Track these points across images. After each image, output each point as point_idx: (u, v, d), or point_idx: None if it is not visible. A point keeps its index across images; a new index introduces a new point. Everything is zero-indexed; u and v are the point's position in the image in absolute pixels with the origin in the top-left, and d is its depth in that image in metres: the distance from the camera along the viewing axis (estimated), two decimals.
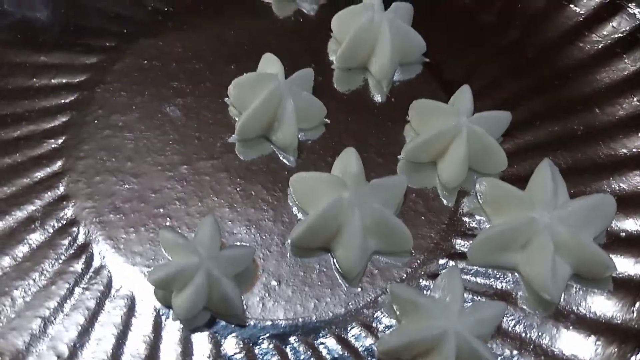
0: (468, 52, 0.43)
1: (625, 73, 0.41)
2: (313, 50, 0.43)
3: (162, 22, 0.44)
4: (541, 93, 0.41)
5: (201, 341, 0.32)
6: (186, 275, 0.31)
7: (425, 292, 0.34)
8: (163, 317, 0.33)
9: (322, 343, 0.33)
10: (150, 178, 0.37)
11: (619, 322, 0.33)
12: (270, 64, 0.40)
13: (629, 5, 0.43)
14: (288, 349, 0.32)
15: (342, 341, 0.33)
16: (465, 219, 0.36)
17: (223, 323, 0.33)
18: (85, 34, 0.43)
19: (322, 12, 0.45)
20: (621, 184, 0.37)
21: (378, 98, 0.41)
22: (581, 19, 0.43)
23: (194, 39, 0.43)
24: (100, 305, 0.33)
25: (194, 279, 0.31)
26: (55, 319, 0.33)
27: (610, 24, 0.43)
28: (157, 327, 0.33)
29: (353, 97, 0.41)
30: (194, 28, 0.44)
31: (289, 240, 0.35)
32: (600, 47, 0.42)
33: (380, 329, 0.33)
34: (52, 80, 0.41)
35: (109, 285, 0.34)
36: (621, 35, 0.42)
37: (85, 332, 0.32)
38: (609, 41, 0.42)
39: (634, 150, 0.38)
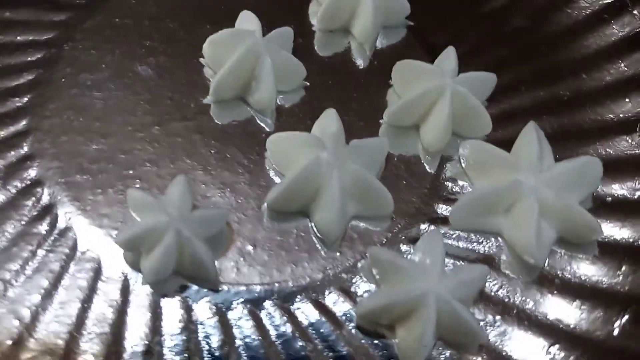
0: (454, 17, 0.42)
1: (613, 39, 0.40)
2: (294, 11, 0.42)
3: None
4: (527, 58, 0.40)
5: (171, 306, 0.31)
6: (155, 235, 0.30)
7: (406, 257, 0.32)
8: (131, 282, 0.32)
9: (298, 308, 0.31)
10: (119, 138, 0.36)
11: (604, 286, 0.32)
12: (247, 21, 0.38)
13: None
14: (263, 314, 0.31)
15: (320, 306, 0.31)
16: (448, 183, 0.35)
17: (195, 288, 0.32)
18: None
19: None
20: (607, 149, 0.36)
21: (361, 62, 0.40)
22: None
23: None
24: (64, 268, 0.32)
25: (163, 239, 0.29)
26: (16, 281, 0.31)
27: None
28: (125, 292, 0.31)
29: (335, 60, 0.40)
30: None
31: (265, 204, 0.34)
32: (588, 12, 0.41)
33: (359, 294, 0.32)
34: (18, 37, 0.39)
35: (74, 248, 0.32)
36: (609, 1, 0.41)
37: (48, 296, 0.31)
38: (597, 7, 0.41)
39: (621, 115, 0.37)
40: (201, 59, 0.39)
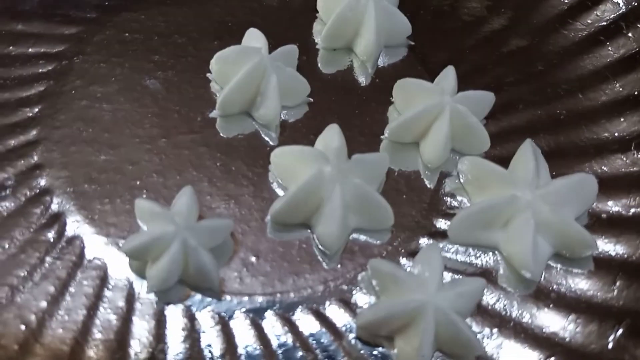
0: (454, 37, 0.42)
1: (608, 60, 0.41)
2: (298, 30, 0.42)
3: None
4: (525, 78, 0.41)
5: (175, 314, 0.32)
6: (161, 244, 0.30)
7: (405, 269, 0.33)
8: (136, 290, 0.32)
9: (299, 318, 0.32)
10: (127, 150, 0.37)
11: (599, 300, 0.32)
12: (254, 39, 0.39)
13: None
14: (264, 324, 0.32)
15: (320, 317, 0.32)
16: (447, 198, 0.36)
17: (199, 297, 0.32)
18: (65, 5, 0.42)
19: None
20: (603, 167, 0.37)
21: (363, 80, 0.41)
22: (566, 8, 0.43)
23: (178, 14, 0.42)
24: (71, 276, 0.32)
25: (169, 248, 0.30)
26: (24, 287, 0.32)
27: (595, 12, 0.43)
28: (130, 299, 0.32)
29: (338, 77, 0.41)
30: (178, 3, 0.43)
31: (269, 217, 0.34)
32: (584, 34, 0.42)
33: (359, 305, 0.32)
34: (30, 49, 0.40)
35: (81, 256, 0.33)
36: (605, 23, 0.42)
37: (54, 302, 0.31)
38: (593, 29, 0.42)
39: (616, 134, 0.38)
40: (208, 75, 0.39)
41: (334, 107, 0.39)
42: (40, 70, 0.39)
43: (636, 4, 0.42)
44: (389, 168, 0.36)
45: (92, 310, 0.31)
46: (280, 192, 0.36)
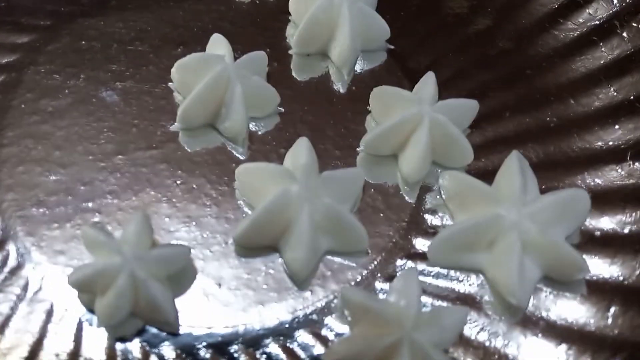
0: (435, 40, 0.40)
1: (602, 62, 0.39)
2: (269, 35, 0.40)
3: (104, 0, 0.40)
4: (512, 83, 0.38)
5: (128, 351, 0.29)
6: (108, 277, 0.27)
7: (381, 295, 0.30)
8: (86, 324, 0.29)
9: (264, 353, 0.29)
10: (79, 169, 0.34)
11: (592, 329, 0.30)
12: (218, 45, 0.36)
13: None
14: None
15: (288, 351, 0.29)
16: (427, 216, 0.33)
17: (154, 331, 0.29)
18: (17, 12, 0.39)
19: None
20: (596, 179, 0.34)
21: (339, 87, 0.38)
22: (556, 6, 0.41)
23: (139, 20, 0.40)
24: (14, 310, 0.29)
25: (116, 281, 0.27)
26: None
27: (587, 10, 0.40)
28: (79, 335, 0.29)
29: (312, 85, 0.38)
30: (140, 8, 0.40)
31: (232, 240, 0.32)
32: (575, 35, 0.40)
33: (331, 338, 0.30)
34: None
35: (25, 288, 0.30)
36: (597, 22, 0.40)
37: None
38: (585, 29, 0.40)
39: (610, 143, 0.36)
40: (170, 84, 0.37)
41: (307, 117, 0.37)
42: None
43: (630, 0, 0.39)
44: (366, 183, 0.34)
45: (36, 348, 0.29)
46: (248, 211, 0.33)
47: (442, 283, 0.31)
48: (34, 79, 0.37)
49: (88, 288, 0.28)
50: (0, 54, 0.38)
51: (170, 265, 0.29)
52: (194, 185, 0.34)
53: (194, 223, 0.33)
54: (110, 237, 0.29)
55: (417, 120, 0.33)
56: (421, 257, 0.32)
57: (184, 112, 0.35)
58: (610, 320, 0.30)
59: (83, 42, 0.39)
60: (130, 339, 0.29)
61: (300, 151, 0.32)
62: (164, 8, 0.40)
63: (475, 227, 0.31)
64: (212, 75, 0.34)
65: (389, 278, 0.31)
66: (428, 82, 0.35)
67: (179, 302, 0.30)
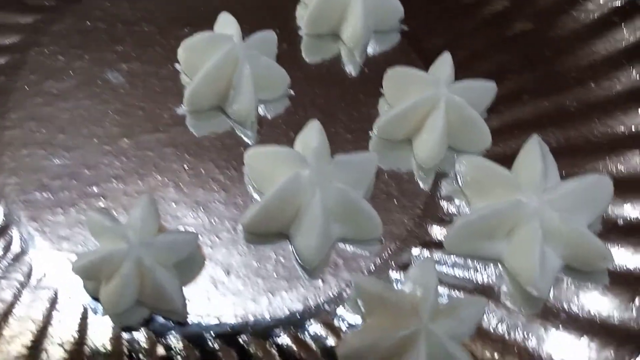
0: (451, 20, 0.39)
1: (623, 44, 0.38)
2: (279, 15, 0.39)
3: None
4: (531, 66, 0.37)
5: (134, 340, 0.28)
6: (113, 263, 0.27)
7: (395, 285, 0.29)
8: (91, 312, 0.29)
9: (275, 344, 0.28)
10: (84, 152, 0.33)
11: (615, 321, 0.29)
12: (226, 24, 0.35)
13: None
14: (235, 351, 0.28)
15: (299, 342, 0.28)
16: (443, 203, 0.32)
17: (161, 320, 0.29)
18: None
19: None
20: (619, 165, 0.33)
21: (350, 69, 0.37)
22: None
23: (145, 0, 0.39)
24: (17, 297, 0.29)
25: (121, 268, 0.26)
26: None
27: None
28: (83, 324, 0.28)
29: (323, 67, 0.37)
30: None
31: (241, 226, 0.31)
32: (596, 16, 0.39)
33: (343, 328, 0.29)
34: None
35: (29, 274, 0.29)
36: (619, 3, 0.39)
37: None
38: (606, 10, 0.39)
39: (633, 128, 0.35)
40: (177, 65, 0.36)
41: (318, 100, 0.36)
42: None
43: None
44: (379, 169, 0.33)
45: (40, 337, 0.28)
46: (257, 197, 0.32)
47: (459, 273, 0.30)
48: (38, 60, 0.36)
49: (93, 275, 0.27)
50: (3, 35, 0.37)
51: (177, 251, 0.28)
52: (202, 170, 0.33)
53: (201, 209, 0.32)
54: (115, 223, 0.28)
55: (433, 103, 0.32)
56: (437, 245, 0.31)
57: (191, 95, 0.34)
58: (634, 312, 0.29)
59: (88, 23, 0.38)
60: (136, 328, 0.28)
61: (312, 134, 0.31)
62: None
63: (494, 215, 0.30)
64: (220, 55, 0.33)
65: (404, 267, 0.30)
66: (444, 63, 0.34)
67: (187, 290, 0.29)
